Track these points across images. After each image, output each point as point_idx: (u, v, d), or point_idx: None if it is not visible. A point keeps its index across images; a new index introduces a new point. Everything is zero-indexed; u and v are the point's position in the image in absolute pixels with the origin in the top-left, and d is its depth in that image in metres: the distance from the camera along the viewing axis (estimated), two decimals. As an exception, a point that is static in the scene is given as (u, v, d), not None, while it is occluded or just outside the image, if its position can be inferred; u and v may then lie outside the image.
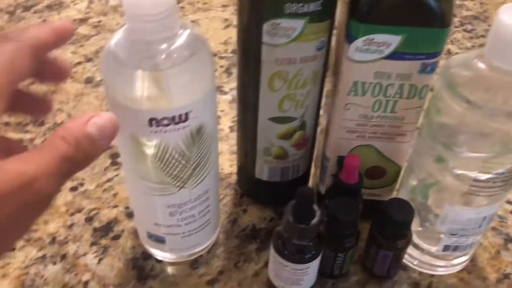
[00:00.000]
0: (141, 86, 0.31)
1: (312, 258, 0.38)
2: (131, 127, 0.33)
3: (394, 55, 0.36)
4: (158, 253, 0.45)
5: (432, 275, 0.45)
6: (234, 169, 0.54)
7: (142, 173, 0.37)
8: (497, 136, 0.35)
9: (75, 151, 0.24)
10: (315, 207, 0.37)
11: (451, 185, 0.39)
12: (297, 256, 0.38)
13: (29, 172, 0.23)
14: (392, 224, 0.40)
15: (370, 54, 0.36)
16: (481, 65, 0.35)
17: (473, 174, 0.37)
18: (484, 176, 0.37)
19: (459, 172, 0.38)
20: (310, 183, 0.53)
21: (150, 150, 0.35)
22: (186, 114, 0.33)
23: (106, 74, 0.33)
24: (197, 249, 0.45)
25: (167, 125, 0.33)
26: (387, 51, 0.36)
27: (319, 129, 0.46)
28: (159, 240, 0.42)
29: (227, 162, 0.55)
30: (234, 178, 0.53)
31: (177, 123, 0.33)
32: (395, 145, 0.42)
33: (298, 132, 0.43)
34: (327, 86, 0.44)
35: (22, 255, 0.45)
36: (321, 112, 0.48)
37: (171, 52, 0.31)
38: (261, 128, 0.43)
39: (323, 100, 0.45)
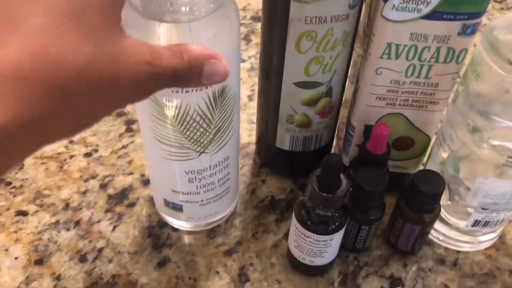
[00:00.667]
0: (162, 40, 0.29)
1: (336, 229, 0.37)
2: None
3: (433, 15, 0.33)
4: (175, 222, 0.44)
5: (458, 252, 0.43)
6: (253, 139, 0.52)
7: (162, 136, 0.35)
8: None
9: (182, 71, 0.23)
10: (342, 176, 0.35)
11: (486, 157, 0.37)
12: (321, 227, 0.37)
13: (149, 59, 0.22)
14: (420, 196, 0.38)
15: (407, 13, 0.33)
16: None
17: (510, 144, 0.35)
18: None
19: (495, 143, 0.36)
20: (332, 154, 0.51)
21: (170, 112, 0.33)
22: None
23: (124, 27, 0.31)
24: (215, 219, 0.43)
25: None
26: (426, 10, 0.33)
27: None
28: (176, 208, 0.41)
29: (245, 132, 0.53)
30: (252, 148, 0.52)
31: None
32: (426, 114, 0.40)
33: (323, 99, 0.41)
34: (356, 50, 0.41)
35: (35, 220, 0.44)
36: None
37: (195, 4, 0.29)
38: (285, 93, 0.40)
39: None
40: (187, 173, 0.37)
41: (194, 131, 0.34)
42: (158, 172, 0.39)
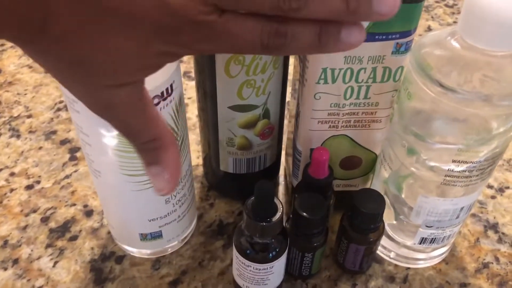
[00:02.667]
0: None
1: (276, 256, 0.36)
2: None
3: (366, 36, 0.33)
4: (149, 251, 0.42)
5: (408, 268, 0.43)
6: (201, 160, 0.51)
7: (132, 169, 0.34)
8: (473, 123, 0.32)
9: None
10: (277, 201, 0.34)
11: (425, 177, 0.36)
12: (260, 255, 0.35)
13: None
14: (362, 217, 0.37)
15: (335, 35, 0.33)
16: (455, 44, 0.32)
17: (447, 166, 0.34)
18: (458, 168, 0.34)
19: (432, 164, 0.35)
20: (283, 176, 0.50)
21: None
22: (171, 85, 0.31)
23: None
24: (188, 231, 0.44)
25: (157, 103, 0.31)
26: (353, 31, 0.33)
27: (287, 120, 0.43)
28: (155, 237, 0.40)
29: (194, 154, 0.52)
30: (200, 170, 0.51)
31: (165, 99, 0.31)
32: (370, 132, 0.39)
33: (261, 121, 0.40)
34: (292, 71, 0.40)
35: (-29, 260, 0.42)
36: (289, 99, 0.45)
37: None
38: (222, 117, 0.39)
39: (289, 86, 0.42)
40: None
41: None
42: (129, 210, 0.38)
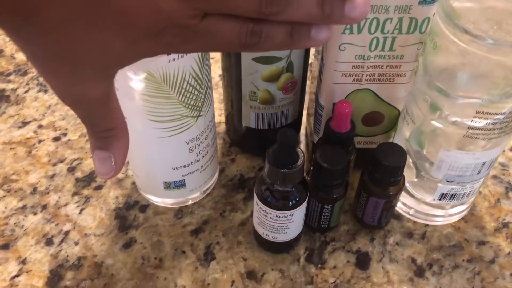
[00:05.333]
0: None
1: (296, 205, 0.36)
2: (146, 63, 0.31)
3: (390, -16, 0.32)
4: (172, 201, 0.44)
5: (426, 225, 0.43)
6: (223, 118, 0.51)
7: (158, 115, 0.35)
8: (497, 76, 0.32)
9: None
10: (299, 150, 0.35)
11: (447, 131, 0.36)
12: (281, 203, 0.36)
13: None
14: (383, 170, 0.37)
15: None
16: (484, -7, 0.31)
17: (469, 120, 0.34)
18: (481, 122, 0.34)
19: (454, 119, 0.35)
20: (304, 136, 0.51)
21: (166, 84, 0.33)
22: None
23: None
24: (210, 183, 0.45)
25: None
26: (382, -22, 0.32)
27: (309, 81, 0.43)
28: (178, 186, 0.41)
29: (216, 111, 0.53)
30: (222, 127, 0.51)
31: None
32: (394, 87, 0.39)
33: (285, 74, 0.40)
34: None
35: (2, 205, 0.44)
36: (312, 52, 0.45)
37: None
38: (245, 70, 0.40)
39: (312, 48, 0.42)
40: (188, 143, 0.38)
41: (190, 95, 0.35)
42: (154, 157, 0.39)
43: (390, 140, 0.44)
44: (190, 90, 0.34)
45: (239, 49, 0.22)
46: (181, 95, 0.34)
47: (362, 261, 0.41)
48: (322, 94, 0.41)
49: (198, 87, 0.35)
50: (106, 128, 0.26)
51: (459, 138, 0.36)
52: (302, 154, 0.35)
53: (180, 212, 0.44)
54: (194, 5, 0.19)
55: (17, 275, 0.39)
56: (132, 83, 0.33)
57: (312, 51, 0.43)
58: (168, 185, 0.41)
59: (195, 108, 0.36)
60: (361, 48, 0.36)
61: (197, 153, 0.40)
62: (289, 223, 0.37)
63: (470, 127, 0.35)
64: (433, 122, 0.36)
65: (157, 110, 0.35)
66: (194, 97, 0.35)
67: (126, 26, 0.20)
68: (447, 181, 0.39)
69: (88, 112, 0.25)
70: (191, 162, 0.40)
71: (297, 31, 0.21)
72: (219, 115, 0.52)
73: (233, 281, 0.39)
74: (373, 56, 0.37)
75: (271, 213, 0.37)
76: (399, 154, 0.37)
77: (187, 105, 0.35)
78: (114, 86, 0.24)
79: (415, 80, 0.38)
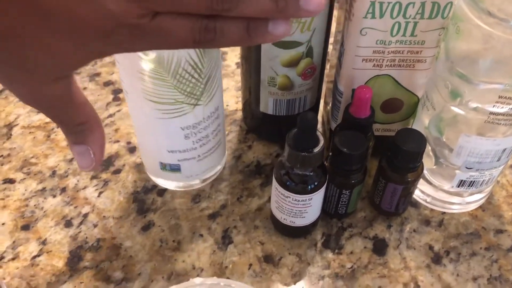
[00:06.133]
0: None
1: (315, 189, 0.37)
2: None
3: (413, -34, 0.32)
4: (172, 184, 0.44)
5: (444, 213, 0.43)
6: (240, 105, 0.52)
7: (154, 95, 0.35)
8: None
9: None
10: (319, 134, 0.35)
11: (467, 118, 0.36)
12: (299, 186, 0.36)
13: None
14: (402, 155, 0.37)
15: (385, -35, 0.33)
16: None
17: (490, 106, 0.34)
18: (503, 108, 0.34)
19: (475, 105, 0.35)
20: (320, 124, 0.51)
21: (160, 66, 0.33)
22: None
23: None
24: (211, 173, 0.44)
25: None
26: (404, -39, 0.32)
27: (327, 70, 0.43)
28: (174, 169, 0.41)
29: (233, 99, 0.53)
30: (239, 114, 0.51)
31: None
32: (414, 73, 0.39)
33: (304, 60, 0.40)
34: (338, 12, 0.40)
35: (22, 187, 0.45)
36: (331, 42, 0.45)
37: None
38: (265, 54, 0.40)
39: (333, 28, 0.42)
40: (183, 129, 0.38)
41: (187, 83, 0.34)
42: (151, 135, 0.39)
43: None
44: (186, 77, 0.34)
45: (194, 47, 0.21)
46: (176, 80, 0.34)
47: (379, 247, 0.41)
48: (341, 80, 0.41)
49: (196, 76, 0.35)
50: (77, 123, 0.26)
51: (479, 124, 0.36)
52: (322, 138, 0.35)
53: (197, 196, 0.44)
54: (142, 4, 0.19)
55: (38, 255, 0.40)
56: (131, 60, 0.33)
57: (331, 40, 0.43)
58: (164, 166, 0.41)
59: (192, 96, 0.36)
60: (382, 33, 0.36)
61: (193, 141, 0.39)
62: (308, 207, 0.38)
63: (491, 113, 0.35)
64: (454, 108, 0.36)
65: (153, 91, 0.35)
66: (191, 85, 0.35)
67: (74, 29, 0.20)
68: (466, 168, 0.39)
69: (54, 112, 0.25)
70: (187, 149, 0.40)
71: (253, 26, 0.21)
72: (236, 103, 0.53)
73: (250, 264, 0.39)
74: (394, 41, 0.37)
75: (290, 197, 0.37)
76: (419, 140, 0.37)
77: (183, 91, 0.35)
78: (74, 84, 0.25)
79: (436, 66, 0.37)
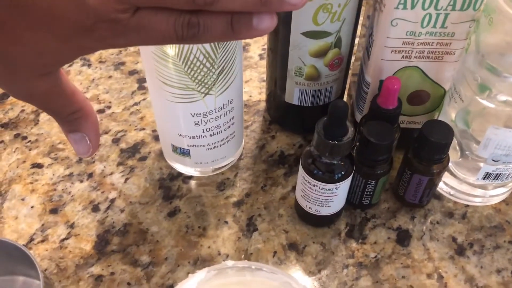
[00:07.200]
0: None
1: (342, 178, 0.37)
2: None
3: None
4: (183, 169, 0.45)
5: (467, 206, 0.43)
6: (263, 96, 0.52)
7: (166, 77, 0.35)
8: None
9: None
10: (348, 123, 0.35)
11: (495, 111, 0.36)
12: (327, 175, 0.37)
13: None
14: (429, 146, 0.38)
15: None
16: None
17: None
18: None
19: (504, 98, 0.35)
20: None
21: (172, 50, 0.33)
22: None
23: None
24: (222, 164, 0.45)
25: None
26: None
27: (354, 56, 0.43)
28: (184, 153, 0.42)
29: (256, 90, 0.53)
30: (262, 105, 0.52)
31: None
32: (442, 65, 0.39)
33: (332, 50, 0.41)
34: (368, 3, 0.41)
35: (50, 172, 0.46)
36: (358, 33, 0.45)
37: None
38: (293, 44, 0.40)
39: (361, 20, 0.42)
40: (193, 116, 0.38)
41: (198, 70, 0.35)
42: (164, 116, 0.40)
43: (433, 120, 0.44)
44: (197, 65, 0.34)
45: (177, 42, 0.21)
46: (187, 67, 0.34)
47: (403, 238, 0.41)
48: (369, 71, 0.41)
49: (208, 65, 0.35)
50: (69, 112, 0.27)
51: (507, 117, 0.36)
52: (352, 128, 0.35)
53: (222, 184, 0.45)
54: None
55: (66, 238, 0.41)
56: None
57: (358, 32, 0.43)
58: (175, 149, 0.42)
59: (203, 84, 0.36)
60: (413, 24, 0.37)
61: (203, 129, 0.39)
62: (334, 197, 0.38)
63: (520, 107, 0.35)
64: (482, 101, 0.36)
65: (165, 73, 0.35)
66: (202, 73, 0.35)
67: (55, 24, 0.20)
68: (493, 160, 0.39)
69: (45, 104, 0.26)
70: (196, 136, 0.40)
71: (237, 21, 0.21)
72: (259, 94, 0.53)
73: (275, 252, 0.40)
74: (424, 32, 0.37)
75: (316, 186, 0.37)
76: (446, 131, 0.38)
77: (193, 79, 0.35)
78: (62, 76, 0.25)
79: (465, 59, 0.38)
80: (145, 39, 0.21)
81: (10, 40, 0.21)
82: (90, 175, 0.45)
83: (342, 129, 0.35)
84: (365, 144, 0.38)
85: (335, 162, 0.36)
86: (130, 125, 0.50)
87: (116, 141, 0.48)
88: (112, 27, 0.20)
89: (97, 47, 0.22)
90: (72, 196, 0.44)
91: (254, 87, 0.54)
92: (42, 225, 0.42)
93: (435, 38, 0.37)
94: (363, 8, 0.41)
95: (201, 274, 0.29)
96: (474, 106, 0.37)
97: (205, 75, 0.35)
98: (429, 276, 0.39)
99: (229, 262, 0.30)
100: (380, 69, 0.40)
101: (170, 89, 0.36)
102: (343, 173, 0.37)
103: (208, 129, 0.39)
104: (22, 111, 0.51)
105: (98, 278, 0.38)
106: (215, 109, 0.38)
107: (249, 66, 0.56)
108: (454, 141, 0.41)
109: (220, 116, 0.39)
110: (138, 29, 0.20)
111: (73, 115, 0.27)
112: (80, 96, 0.27)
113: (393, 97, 0.38)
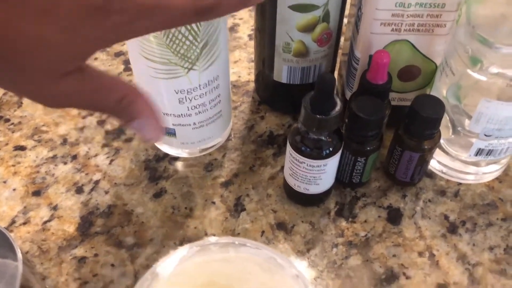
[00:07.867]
0: None
1: (330, 154, 0.36)
2: None
3: None
4: (170, 150, 0.44)
5: (460, 184, 0.42)
6: (252, 77, 0.51)
7: (148, 52, 0.34)
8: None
9: None
10: (336, 97, 0.34)
11: (487, 84, 0.35)
12: (315, 151, 0.36)
13: None
14: (420, 121, 0.37)
15: None
16: None
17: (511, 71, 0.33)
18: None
19: (496, 71, 0.34)
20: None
21: None
22: None
23: None
24: (209, 144, 0.44)
25: None
26: None
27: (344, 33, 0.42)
28: (169, 133, 0.41)
29: (245, 70, 0.52)
30: (251, 86, 0.51)
31: None
32: (433, 38, 0.38)
33: (320, 25, 0.39)
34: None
35: (33, 154, 0.44)
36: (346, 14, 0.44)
37: None
38: (281, 18, 0.39)
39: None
40: (177, 93, 0.37)
41: (181, 44, 0.33)
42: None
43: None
44: (180, 38, 0.33)
45: (196, 19, 0.20)
46: (169, 40, 0.33)
47: (394, 217, 0.40)
48: (358, 46, 0.40)
49: (191, 38, 0.34)
50: (114, 103, 0.23)
51: (499, 90, 0.35)
52: (340, 102, 0.34)
53: (210, 165, 0.44)
54: None
55: (49, 220, 0.40)
56: None
57: (345, 21, 0.42)
58: None
59: (186, 59, 0.35)
60: (402, -5, 0.35)
61: (188, 107, 0.38)
62: (322, 174, 0.37)
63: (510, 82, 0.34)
64: (474, 75, 0.35)
65: (147, 47, 0.34)
66: (185, 47, 0.34)
67: (56, 13, 0.18)
68: (485, 135, 0.38)
69: (83, 104, 0.23)
70: (182, 114, 0.39)
71: None
72: (248, 74, 0.52)
73: (263, 231, 0.39)
74: (414, 4, 0.36)
75: (304, 163, 0.36)
76: (437, 106, 0.37)
77: (176, 53, 0.34)
78: (91, 71, 0.22)
79: (456, 32, 0.37)
80: (164, 19, 0.20)
81: (20, 38, 0.19)
82: (74, 157, 0.44)
83: (329, 103, 0.34)
84: (354, 119, 0.37)
85: (323, 138, 0.35)
86: (115, 106, 0.48)
87: (101, 123, 0.47)
88: (126, 10, 0.19)
89: (114, 37, 0.20)
90: (55, 178, 0.43)
91: (243, 67, 0.53)
92: (25, 207, 0.41)
93: (425, 9, 0.36)
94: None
95: (183, 250, 0.28)
96: (466, 80, 0.36)
97: (188, 49, 0.34)
98: (420, 254, 0.38)
99: (212, 238, 0.29)
100: (370, 43, 0.39)
101: (153, 64, 0.35)
102: (331, 149, 0.36)
103: (193, 107, 0.38)
104: (5, 93, 0.50)
105: (81, 259, 0.37)
106: (199, 85, 0.37)
107: (238, 47, 0.55)
108: (446, 118, 0.40)
109: (205, 93, 0.38)
110: (156, 9, 0.19)
111: (120, 104, 0.23)
112: (120, 81, 0.24)
113: (383, 72, 0.37)
